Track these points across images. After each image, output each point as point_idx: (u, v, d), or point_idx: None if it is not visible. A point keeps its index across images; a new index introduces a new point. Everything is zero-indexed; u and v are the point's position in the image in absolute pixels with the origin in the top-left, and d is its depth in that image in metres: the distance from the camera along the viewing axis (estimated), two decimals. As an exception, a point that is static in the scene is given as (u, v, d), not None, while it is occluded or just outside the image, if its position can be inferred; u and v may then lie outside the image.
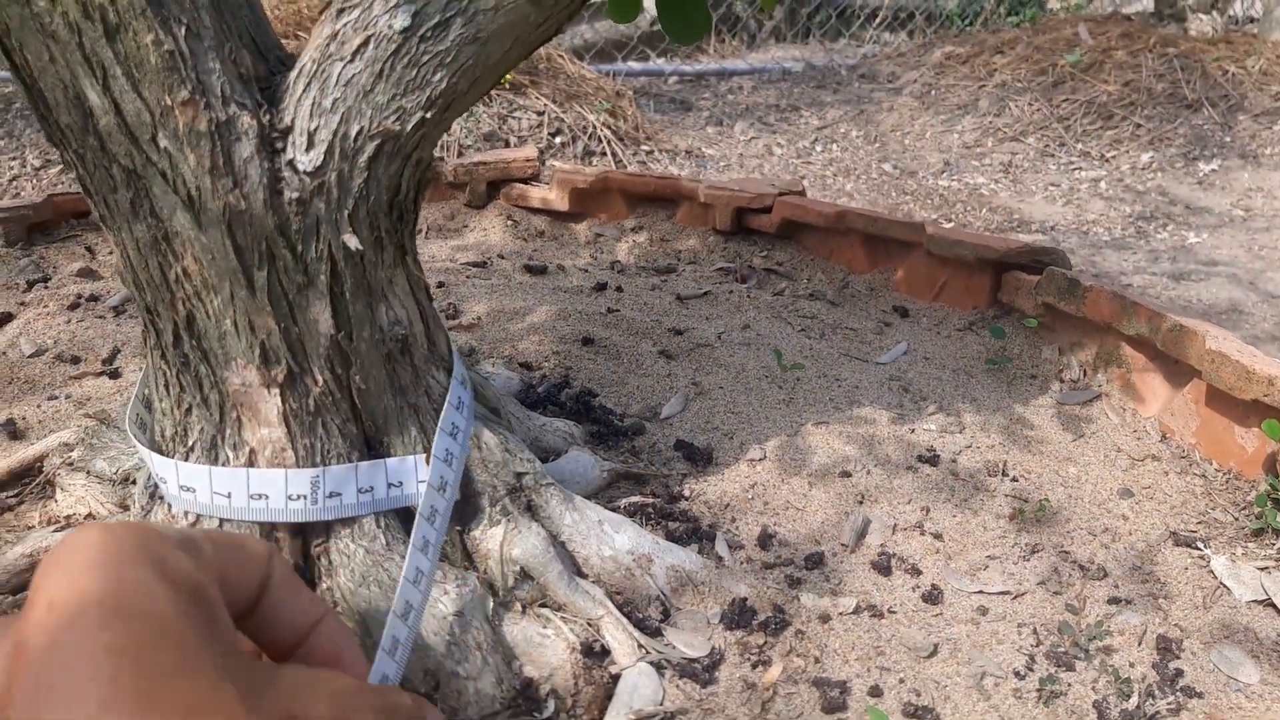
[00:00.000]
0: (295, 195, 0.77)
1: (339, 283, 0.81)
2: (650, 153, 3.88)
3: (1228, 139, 4.31)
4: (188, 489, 0.80)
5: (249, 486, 0.79)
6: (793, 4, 5.44)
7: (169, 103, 0.72)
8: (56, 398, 1.24)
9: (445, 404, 0.89)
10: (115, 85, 0.72)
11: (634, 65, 4.98)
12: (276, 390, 0.81)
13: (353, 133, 0.78)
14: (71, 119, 0.74)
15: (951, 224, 3.11)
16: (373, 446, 0.87)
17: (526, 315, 1.51)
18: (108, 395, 1.26)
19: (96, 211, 0.80)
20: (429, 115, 0.80)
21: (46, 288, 1.58)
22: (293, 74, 0.78)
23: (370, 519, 0.85)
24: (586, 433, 1.22)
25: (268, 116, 0.76)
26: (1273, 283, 2.75)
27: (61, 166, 3.74)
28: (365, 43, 0.77)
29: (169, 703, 0.38)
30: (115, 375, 1.31)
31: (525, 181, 2.00)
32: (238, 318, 0.78)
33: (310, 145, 0.77)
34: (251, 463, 0.81)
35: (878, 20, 5.58)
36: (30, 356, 1.35)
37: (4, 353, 1.37)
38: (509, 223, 1.95)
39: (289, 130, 0.77)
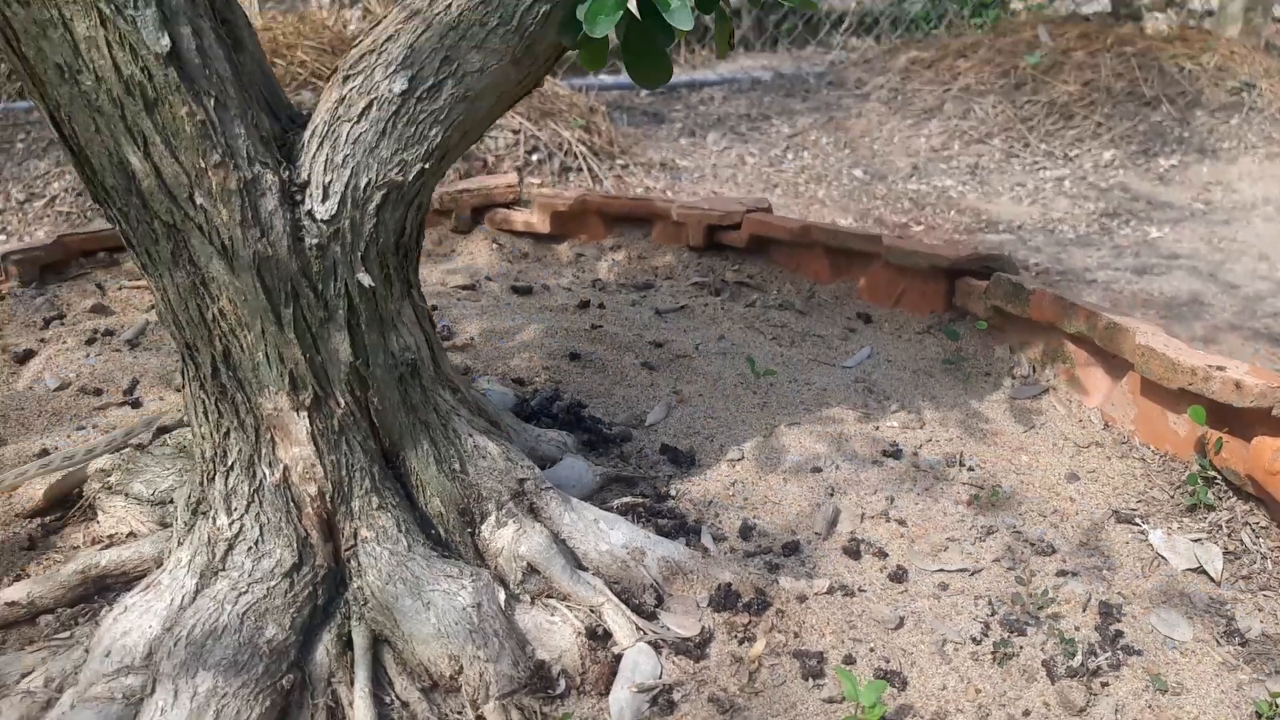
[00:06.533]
0: (315, 241, 0.87)
1: (355, 316, 0.91)
2: (625, 166, 3.98)
3: (1186, 134, 4.43)
4: None
5: None
6: (759, 14, 5.56)
7: (203, 165, 0.83)
8: (84, 427, 1.34)
9: None
10: (155, 152, 0.82)
11: (606, 79, 5.08)
12: (305, 413, 0.91)
13: (362, 184, 0.88)
14: (116, 181, 0.84)
15: (921, 227, 3.22)
16: (390, 459, 0.97)
17: (516, 334, 1.62)
18: (131, 423, 1.35)
19: (138, 261, 0.90)
20: (427, 166, 0.91)
21: (63, 324, 1.67)
22: (306, 133, 0.89)
23: (393, 524, 0.95)
24: (578, 441, 1.32)
25: (287, 173, 0.87)
26: (1232, 274, 2.84)
27: (47, 200, 3.80)
28: (369, 105, 0.88)
29: None
30: (136, 405, 1.41)
31: (508, 206, 2.11)
32: (269, 350, 0.89)
33: (325, 196, 0.87)
34: (286, 479, 0.91)
35: (844, 26, 5.70)
36: (55, 390, 1.45)
37: (30, 387, 1.46)
38: (494, 245, 2.06)
39: (306, 184, 0.87)
